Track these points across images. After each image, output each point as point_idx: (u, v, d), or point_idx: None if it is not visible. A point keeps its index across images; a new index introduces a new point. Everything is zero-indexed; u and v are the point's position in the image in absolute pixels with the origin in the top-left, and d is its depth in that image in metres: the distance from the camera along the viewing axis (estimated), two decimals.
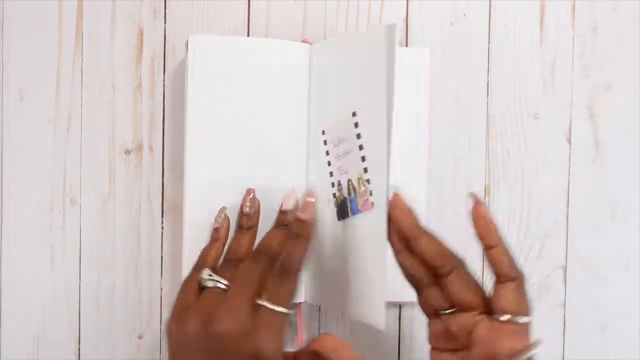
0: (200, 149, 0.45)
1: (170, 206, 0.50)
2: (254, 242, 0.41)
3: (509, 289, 0.36)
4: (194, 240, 0.43)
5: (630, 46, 0.49)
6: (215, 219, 0.42)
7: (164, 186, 0.50)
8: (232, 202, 0.43)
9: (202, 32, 0.49)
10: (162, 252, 0.50)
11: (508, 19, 0.49)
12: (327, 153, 0.43)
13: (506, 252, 0.36)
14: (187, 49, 0.45)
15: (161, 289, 0.50)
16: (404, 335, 0.49)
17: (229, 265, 0.39)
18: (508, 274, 0.36)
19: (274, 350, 0.34)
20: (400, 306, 0.49)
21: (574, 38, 0.49)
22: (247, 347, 0.34)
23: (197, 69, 0.45)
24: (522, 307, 0.36)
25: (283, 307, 0.35)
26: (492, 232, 0.36)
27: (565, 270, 0.49)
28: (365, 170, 0.40)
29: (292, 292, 0.36)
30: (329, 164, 0.43)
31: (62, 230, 0.50)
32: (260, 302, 0.35)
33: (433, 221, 0.49)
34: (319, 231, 0.44)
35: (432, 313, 0.38)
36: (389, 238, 0.37)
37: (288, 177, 0.45)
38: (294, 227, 0.39)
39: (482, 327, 0.35)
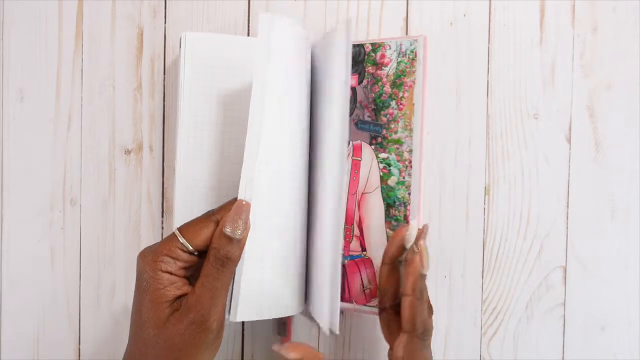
0: (191, 146, 0.44)
1: (170, 206, 0.50)
2: None
3: (400, 339, 0.39)
4: None
5: (630, 46, 0.49)
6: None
7: (164, 186, 0.50)
8: (222, 201, 0.43)
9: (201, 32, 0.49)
10: None
11: (508, 19, 0.49)
12: None
13: (412, 306, 0.39)
14: (180, 46, 0.45)
15: None
16: None
17: None
18: (404, 326, 0.39)
19: None
20: None
21: (574, 38, 0.49)
22: None
23: (189, 66, 0.44)
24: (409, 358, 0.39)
25: None
26: (410, 282, 0.39)
27: (565, 270, 0.49)
28: None
29: None
30: None
31: (62, 230, 0.50)
32: None
33: (432, 221, 0.49)
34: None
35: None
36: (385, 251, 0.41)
37: (282, 177, 0.44)
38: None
39: None
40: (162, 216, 0.50)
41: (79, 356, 0.50)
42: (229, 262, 0.37)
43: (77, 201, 0.50)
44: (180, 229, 0.38)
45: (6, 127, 0.50)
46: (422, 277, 0.39)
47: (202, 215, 0.39)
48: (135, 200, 0.50)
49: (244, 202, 0.38)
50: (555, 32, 0.49)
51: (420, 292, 0.39)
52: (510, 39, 0.49)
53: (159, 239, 0.50)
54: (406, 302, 0.39)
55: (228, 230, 0.37)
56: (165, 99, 0.50)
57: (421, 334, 0.39)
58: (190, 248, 0.37)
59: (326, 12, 0.49)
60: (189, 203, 0.44)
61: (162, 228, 0.50)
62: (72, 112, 0.50)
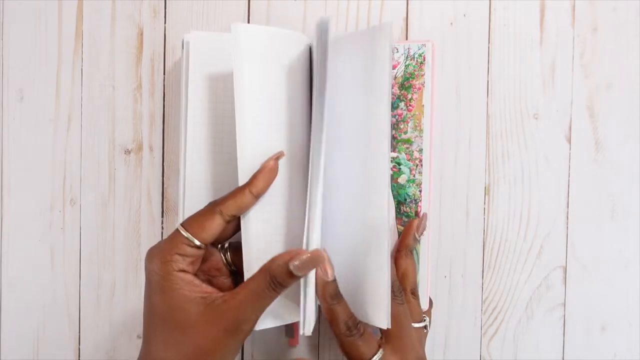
0: (197, 147, 0.44)
1: (170, 206, 0.50)
2: None
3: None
4: None
5: (630, 46, 0.49)
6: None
7: (164, 186, 0.50)
8: None
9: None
10: None
11: (508, 19, 0.49)
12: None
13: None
14: (183, 47, 0.45)
15: None
16: None
17: None
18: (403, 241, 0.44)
19: None
20: None
21: (574, 38, 0.49)
22: None
23: (194, 67, 0.44)
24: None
25: None
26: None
27: (565, 270, 0.49)
28: None
29: None
30: None
31: (62, 230, 0.50)
32: None
33: (432, 221, 0.49)
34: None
35: None
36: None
37: (289, 177, 0.44)
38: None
39: None
40: (162, 216, 0.50)
41: (79, 356, 0.50)
42: (282, 289, 0.36)
43: (77, 201, 0.50)
44: (184, 225, 0.37)
45: (6, 127, 0.50)
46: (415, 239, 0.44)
47: (205, 207, 0.38)
48: (135, 200, 0.50)
49: (324, 255, 0.37)
50: (555, 32, 0.49)
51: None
52: (510, 39, 0.49)
53: (159, 239, 0.50)
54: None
55: (294, 266, 0.35)
56: (165, 99, 0.50)
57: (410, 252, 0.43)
58: (197, 243, 0.36)
59: (326, 12, 0.49)
60: (197, 205, 0.43)
61: (162, 228, 0.50)
62: (72, 112, 0.50)
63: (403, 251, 0.43)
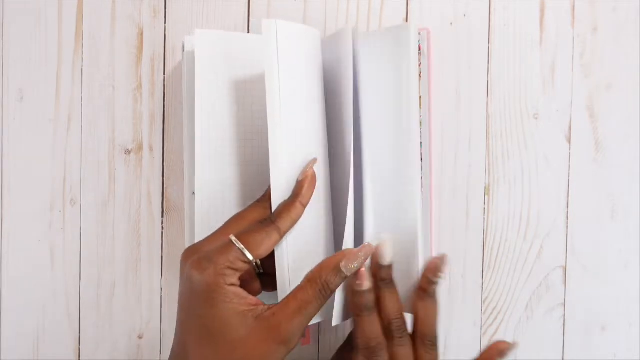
0: (206, 150, 0.43)
1: (171, 206, 0.50)
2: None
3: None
4: None
5: (630, 46, 0.49)
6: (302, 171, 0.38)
7: (164, 186, 0.50)
8: (242, 203, 0.43)
9: None
10: (162, 252, 0.50)
11: (508, 19, 0.49)
12: None
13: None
14: (184, 49, 0.45)
15: (161, 289, 0.50)
16: None
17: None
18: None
19: None
20: None
21: (574, 38, 0.49)
22: None
23: (200, 67, 0.43)
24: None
25: None
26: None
27: (565, 270, 0.49)
28: None
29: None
30: None
31: (62, 230, 0.50)
32: None
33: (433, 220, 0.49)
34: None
35: None
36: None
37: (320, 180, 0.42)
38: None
39: None
40: (162, 216, 0.50)
41: (79, 356, 0.50)
42: (330, 295, 0.36)
43: (77, 201, 0.50)
44: (237, 237, 0.36)
45: (6, 127, 0.50)
46: (389, 267, 0.39)
47: (261, 223, 0.37)
48: (135, 200, 0.50)
49: (372, 245, 0.37)
50: (555, 32, 0.49)
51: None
52: (510, 39, 0.49)
53: (159, 239, 0.50)
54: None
55: (347, 268, 0.36)
56: (165, 99, 0.50)
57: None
58: (250, 257, 0.36)
59: (326, 12, 0.49)
60: (212, 208, 0.43)
61: (162, 228, 0.50)
62: (72, 112, 0.50)
63: (426, 291, 0.40)
